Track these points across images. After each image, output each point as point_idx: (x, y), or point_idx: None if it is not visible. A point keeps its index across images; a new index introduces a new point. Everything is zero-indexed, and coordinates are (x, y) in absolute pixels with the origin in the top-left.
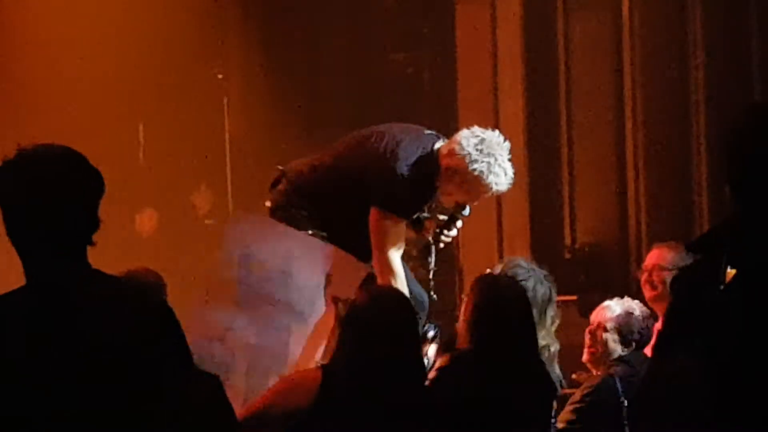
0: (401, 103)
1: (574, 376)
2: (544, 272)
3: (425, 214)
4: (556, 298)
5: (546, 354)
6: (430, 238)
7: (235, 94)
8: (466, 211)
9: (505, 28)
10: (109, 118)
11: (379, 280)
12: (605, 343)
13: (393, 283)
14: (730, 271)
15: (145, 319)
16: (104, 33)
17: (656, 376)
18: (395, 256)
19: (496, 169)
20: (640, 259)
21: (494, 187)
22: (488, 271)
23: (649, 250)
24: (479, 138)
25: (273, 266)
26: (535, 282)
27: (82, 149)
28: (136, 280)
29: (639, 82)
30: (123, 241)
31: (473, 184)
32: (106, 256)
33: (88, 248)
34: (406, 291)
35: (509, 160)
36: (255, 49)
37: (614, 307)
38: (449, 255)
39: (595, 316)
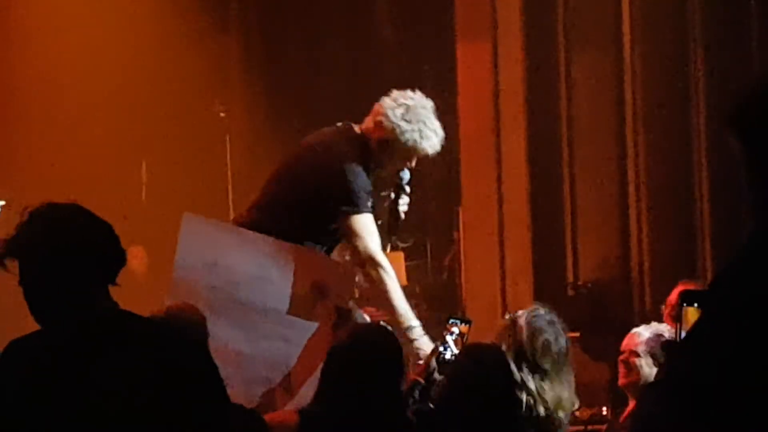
0: None
1: (577, 413)
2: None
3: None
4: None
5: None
6: (389, 219)
7: (237, 131)
8: (406, 175)
9: (507, 65)
10: (112, 157)
11: (375, 277)
12: (639, 369)
13: (387, 278)
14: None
15: (174, 360)
16: (107, 71)
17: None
18: (378, 252)
19: (428, 133)
20: (642, 296)
21: (429, 151)
22: (508, 316)
23: (651, 286)
24: (404, 106)
25: (243, 271)
26: (556, 334)
27: (86, 189)
28: (175, 318)
29: (641, 119)
30: (129, 278)
31: (408, 152)
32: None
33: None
34: (398, 287)
35: (434, 118)
36: (257, 88)
37: (643, 333)
38: (452, 292)
39: (626, 344)
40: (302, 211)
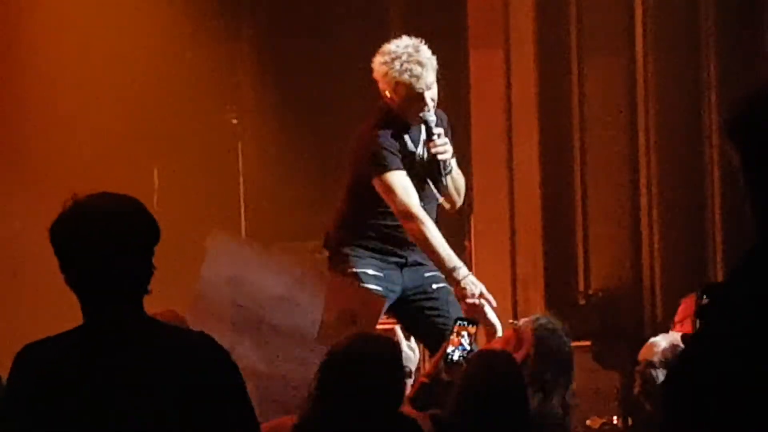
0: None
1: (588, 422)
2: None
3: (416, 151)
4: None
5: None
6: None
7: (249, 138)
8: (430, 116)
9: (519, 73)
10: (124, 163)
11: (413, 231)
12: (656, 380)
13: (425, 230)
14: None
15: (202, 371)
16: (118, 77)
17: None
18: (413, 205)
19: (405, 66)
20: (654, 305)
21: (415, 80)
22: (510, 321)
23: (663, 295)
24: (383, 53)
25: (270, 291)
26: (559, 343)
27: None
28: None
29: (653, 127)
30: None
31: (398, 88)
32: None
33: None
34: (439, 234)
35: (420, 51)
36: (269, 94)
37: (660, 343)
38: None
39: (642, 355)
40: (355, 192)
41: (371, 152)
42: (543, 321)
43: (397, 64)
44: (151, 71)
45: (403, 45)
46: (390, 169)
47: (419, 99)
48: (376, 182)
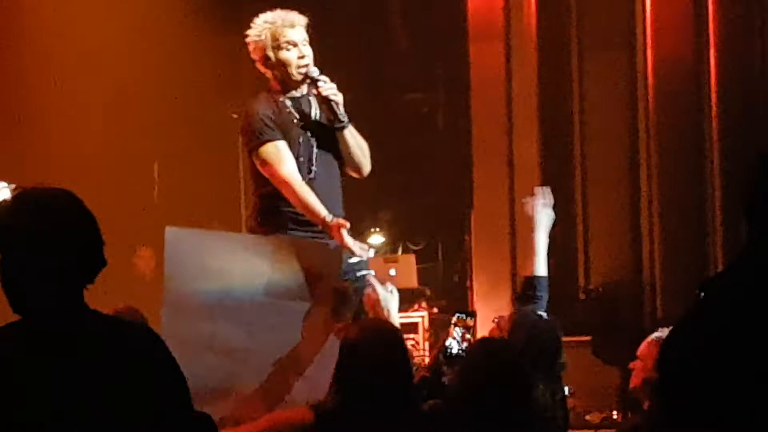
0: (416, 142)
1: (588, 417)
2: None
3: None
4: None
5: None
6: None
7: None
8: (313, 70)
9: (520, 68)
10: (125, 157)
11: (292, 200)
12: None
13: (301, 193)
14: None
15: (141, 360)
16: (118, 72)
17: None
18: (294, 173)
19: (267, 25)
20: (653, 300)
21: (278, 31)
22: (495, 318)
23: (662, 291)
24: (249, 34)
25: (234, 270)
26: (537, 332)
27: (98, 189)
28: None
29: (653, 123)
30: (136, 278)
31: (265, 47)
32: (129, 293)
33: (117, 285)
34: (314, 197)
35: (278, 10)
36: None
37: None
38: (463, 295)
39: (641, 351)
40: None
41: (243, 129)
42: (522, 311)
43: (258, 29)
44: (151, 66)
45: (263, 18)
46: (263, 141)
47: (290, 49)
48: (254, 159)
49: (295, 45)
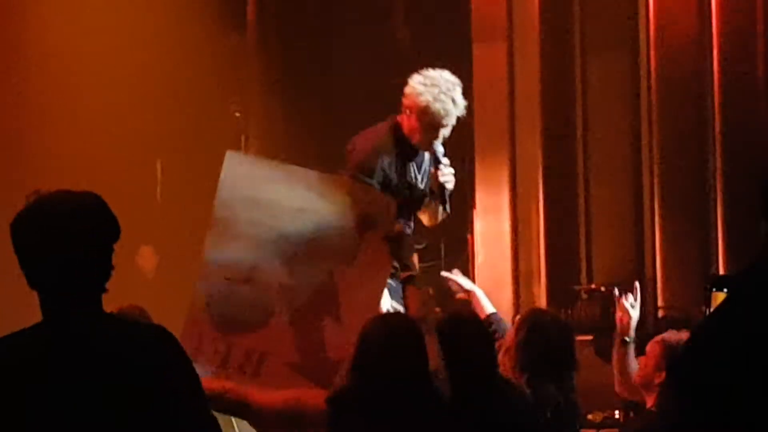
0: None
1: (590, 416)
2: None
3: (416, 177)
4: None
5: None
6: (438, 191)
7: (252, 132)
8: (439, 147)
9: (523, 68)
10: (128, 156)
11: None
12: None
13: None
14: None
15: (158, 364)
16: (122, 71)
17: None
18: None
19: (442, 97)
20: (656, 299)
21: (443, 114)
22: (517, 317)
23: (665, 290)
24: (424, 76)
25: (285, 204)
26: (559, 334)
27: (101, 188)
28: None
29: (656, 122)
30: (143, 277)
31: (425, 115)
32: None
33: (118, 284)
34: None
35: (457, 91)
36: (273, 88)
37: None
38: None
39: (650, 349)
40: None
41: (354, 164)
42: (534, 310)
43: (435, 90)
44: (155, 65)
45: (444, 77)
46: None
47: (436, 131)
48: None
49: (440, 128)
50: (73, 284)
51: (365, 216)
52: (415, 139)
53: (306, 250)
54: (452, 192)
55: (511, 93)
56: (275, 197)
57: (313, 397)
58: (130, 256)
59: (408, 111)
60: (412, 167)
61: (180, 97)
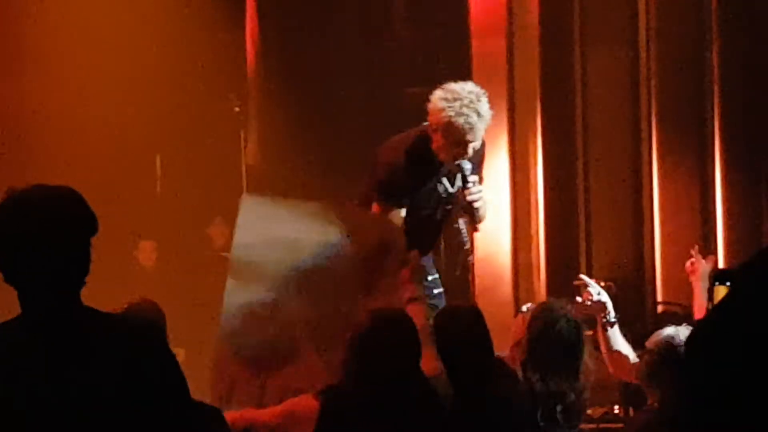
0: None
1: (589, 411)
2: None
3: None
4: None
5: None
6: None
7: (251, 126)
8: (466, 164)
9: (522, 63)
10: (127, 150)
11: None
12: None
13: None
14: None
15: (137, 357)
16: (121, 66)
17: None
18: None
19: (465, 110)
20: (655, 295)
21: (467, 128)
22: (525, 308)
23: (664, 286)
24: (445, 90)
25: (304, 239)
26: (569, 326)
27: (101, 183)
28: (135, 315)
29: (656, 117)
30: (142, 271)
31: (449, 129)
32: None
33: (114, 277)
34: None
35: (482, 102)
36: (272, 83)
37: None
38: (462, 291)
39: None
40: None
41: (380, 178)
42: (545, 304)
43: (457, 104)
44: (153, 60)
45: (467, 89)
46: (386, 204)
47: (463, 146)
48: (375, 206)
49: (467, 143)
50: (50, 279)
51: (382, 240)
52: (442, 156)
53: (328, 282)
54: (481, 209)
55: (511, 89)
56: (293, 234)
57: (294, 405)
58: (128, 251)
59: (433, 127)
60: (443, 180)
61: (179, 92)
